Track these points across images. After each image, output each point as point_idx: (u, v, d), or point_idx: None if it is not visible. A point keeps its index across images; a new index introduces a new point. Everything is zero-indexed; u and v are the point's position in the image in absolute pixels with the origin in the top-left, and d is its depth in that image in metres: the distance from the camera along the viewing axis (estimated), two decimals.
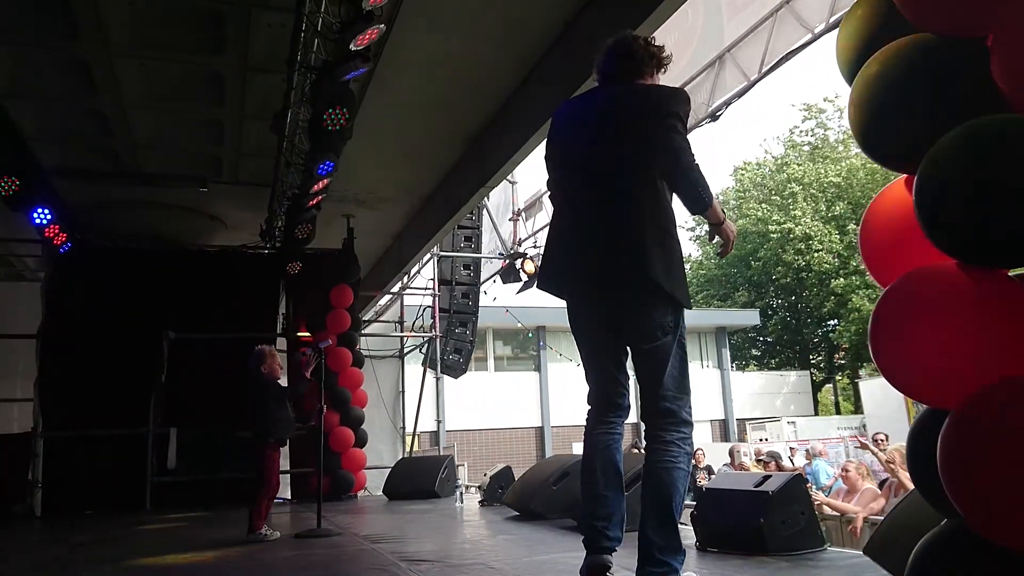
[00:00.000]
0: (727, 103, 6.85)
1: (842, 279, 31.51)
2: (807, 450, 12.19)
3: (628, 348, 2.84)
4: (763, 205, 35.12)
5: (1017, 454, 1.24)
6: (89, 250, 9.09)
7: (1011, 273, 1.42)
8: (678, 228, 2.85)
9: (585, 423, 2.89)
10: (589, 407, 2.90)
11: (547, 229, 3.13)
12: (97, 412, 8.79)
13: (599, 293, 2.81)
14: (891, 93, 1.50)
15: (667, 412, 2.71)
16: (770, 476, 3.84)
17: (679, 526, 2.67)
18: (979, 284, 1.40)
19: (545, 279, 2.98)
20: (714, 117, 7.07)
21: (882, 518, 6.46)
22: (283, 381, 5.76)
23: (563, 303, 2.96)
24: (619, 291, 2.75)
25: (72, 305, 8.93)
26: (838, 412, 36.25)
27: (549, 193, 3.13)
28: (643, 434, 2.82)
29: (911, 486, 6.71)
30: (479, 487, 7.88)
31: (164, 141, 7.97)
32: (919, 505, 2.80)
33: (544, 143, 3.14)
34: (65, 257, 8.63)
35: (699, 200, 2.71)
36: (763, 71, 6.32)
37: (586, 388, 2.93)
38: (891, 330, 1.49)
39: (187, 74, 6.78)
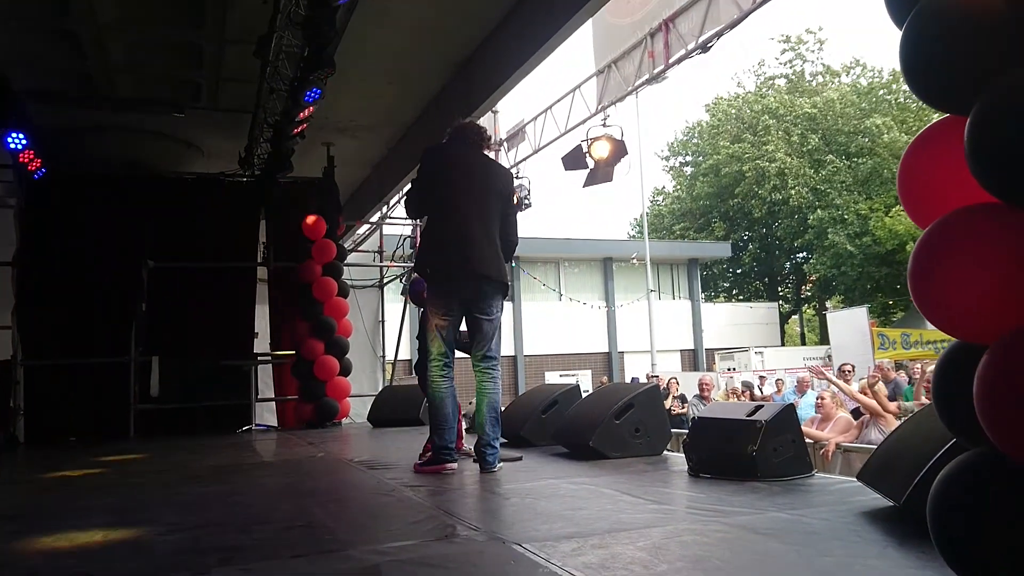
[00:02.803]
0: (719, 34, 6.77)
1: (820, 211, 31.86)
2: (798, 379, 12.58)
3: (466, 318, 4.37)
4: (736, 145, 35.11)
5: None
6: (64, 176, 8.87)
7: None
8: None
9: (430, 373, 4.39)
10: (435, 360, 4.36)
11: (429, 227, 4.41)
12: (77, 340, 8.78)
13: (471, 281, 4.22)
14: (946, 31, 1.51)
15: (492, 358, 4.42)
16: (762, 406, 3.97)
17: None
18: None
19: (434, 268, 4.30)
20: (704, 48, 6.99)
21: (856, 445, 6.75)
22: None
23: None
24: (485, 282, 4.24)
25: (48, 232, 8.79)
26: (803, 343, 37.18)
27: (427, 195, 4.40)
28: (473, 371, 4.41)
29: (885, 415, 6.89)
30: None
31: (140, 64, 7.73)
32: (914, 435, 2.94)
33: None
34: (39, 183, 8.41)
35: (510, 257, 4.49)
36: (758, 1, 6.24)
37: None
38: (933, 264, 1.53)
39: None
